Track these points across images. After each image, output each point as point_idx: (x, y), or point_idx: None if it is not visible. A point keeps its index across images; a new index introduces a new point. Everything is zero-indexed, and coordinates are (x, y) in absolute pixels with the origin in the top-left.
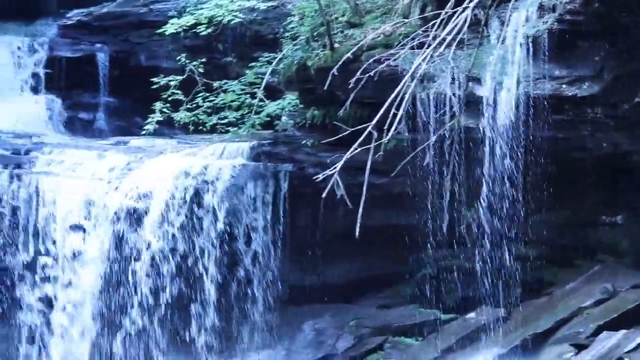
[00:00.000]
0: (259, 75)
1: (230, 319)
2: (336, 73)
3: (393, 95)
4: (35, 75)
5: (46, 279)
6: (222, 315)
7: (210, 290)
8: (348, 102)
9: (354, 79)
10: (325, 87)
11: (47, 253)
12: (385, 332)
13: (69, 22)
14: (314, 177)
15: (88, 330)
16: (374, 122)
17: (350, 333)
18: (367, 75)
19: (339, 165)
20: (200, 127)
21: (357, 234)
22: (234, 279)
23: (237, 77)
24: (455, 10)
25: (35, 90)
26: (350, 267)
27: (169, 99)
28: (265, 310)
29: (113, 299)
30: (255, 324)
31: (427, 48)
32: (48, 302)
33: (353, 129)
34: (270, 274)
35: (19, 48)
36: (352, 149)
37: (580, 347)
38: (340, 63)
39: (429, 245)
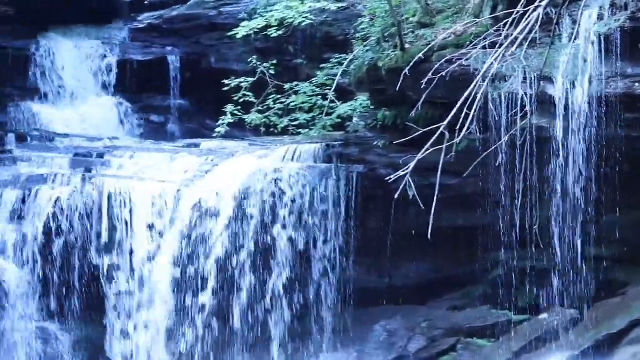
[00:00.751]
0: (330, 77)
1: (303, 320)
2: (408, 74)
3: (465, 96)
4: (107, 79)
5: (119, 281)
6: (294, 316)
7: (281, 291)
8: (420, 103)
9: (425, 80)
10: (397, 88)
11: (119, 255)
12: (457, 334)
13: (140, 26)
14: (385, 178)
15: (161, 329)
16: (446, 122)
17: (422, 334)
18: (439, 75)
19: (411, 165)
20: (272, 129)
21: (429, 235)
22: (305, 281)
23: (308, 79)
24: (527, 9)
25: (107, 93)
26: (422, 268)
27: (240, 101)
28: (336, 311)
29: (184, 300)
30: (327, 326)
31: (499, 47)
32: (121, 303)
33: (425, 130)
34: (342, 276)
35: (91, 52)
36: (424, 149)
37: None
38: (411, 64)
39: (500, 245)
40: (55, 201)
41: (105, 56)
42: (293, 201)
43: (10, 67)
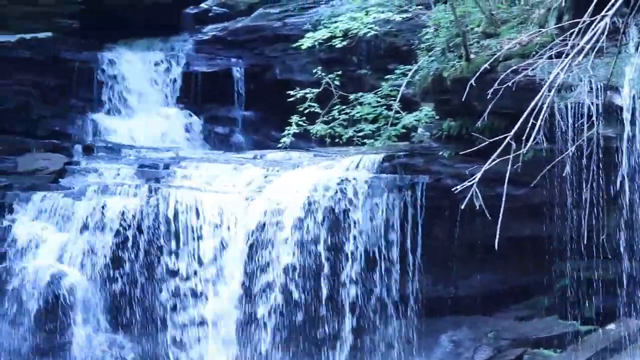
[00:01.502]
0: (395, 87)
1: (368, 331)
2: (473, 84)
3: (531, 106)
4: (172, 90)
5: (186, 292)
6: (360, 326)
7: (346, 302)
8: (486, 113)
9: (491, 90)
10: (462, 98)
11: (186, 265)
12: (523, 344)
13: (205, 38)
14: (451, 189)
15: (230, 341)
16: (512, 132)
17: (489, 345)
18: (505, 85)
19: (477, 176)
20: (337, 140)
21: (496, 245)
22: (371, 291)
23: (372, 89)
24: (593, 18)
25: (172, 105)
26: (488, 278)
27: (305, 111)
28: (402, 322)
29: (251, 311)
30: (392, 336)
31: (565, 57)
32: (188, 315)
33: (491, 140)
34: (407, 286)
35: (157, 64)
36: (490, 160)
37: None
38: (477, 74)
39: (567, 255)
40: (123, 212)
41: (170, 68)
42: (358, 211)
43: (76, 80)
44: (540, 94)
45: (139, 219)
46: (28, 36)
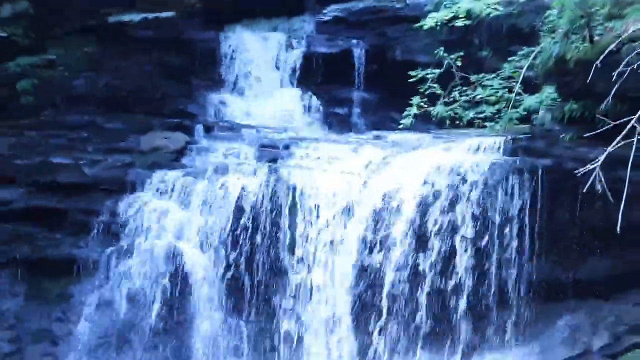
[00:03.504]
0: (517, 69)
1: (485, 315)
2: (598, 65)
3: None
4: (292, 71)
5: (302, 272)
6: (477, 310)
7: (465, 285)
8: (610, 96)
9: (615, 72)
10: (586, 81)
11: (303, 246)
12: None
13: (326, 19)
14: (572, 172)
15: (343, 322)
16: (637, 115)
17: (607, 330)
18: (629, 68)
19: (600, 159)
20: (457, 122)
21: (618, 229)
22: (489, 274)
23: (492, 71)
24: None
25: (292, 85)
26: (607, 262)
27: (426, 93)
28: (520, 306)
29: (364, 294)
30: (510, 320)
31: None
32: (304, 295)
33: (615, 123)
34: (526, 270)
35: (277, 44)
36: (614, 143)
37: None
38: (602, 56)
39: None
40: (242, 191)
41: (291, 48)
42: (477, 194)
43: (198, 59)
44: None
45: (258, 198)
46: (151, 16)
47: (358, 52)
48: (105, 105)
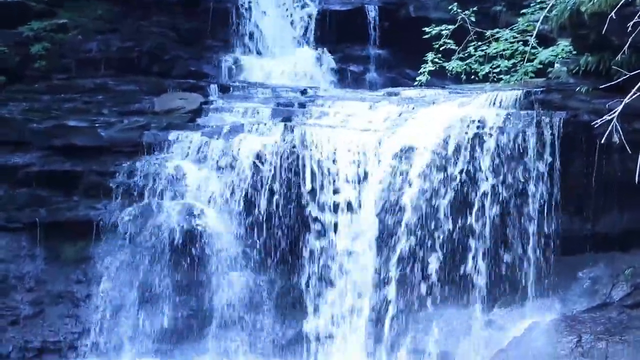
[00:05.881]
0: (531, 22)
1: (506, 270)
2: (613, 17)
3: None
4: (307, 30)
5: (321, 230)
6: (494, 264)
7: (482, 239)
8: (625, 47)
9: (631, 23)
10: (601, 33)
11: (321, 204)
12: None
13: None
14: (591, 123)
15: (362, 279)
16: None
17: (626, 282)
18: None
19: (618, 110)
20: (472, 77)
21: (636, 180)
22: (508, 229)
23: (507, 26)
24: None
25: (306, 43)
26: (626, 215)
27: (440, 49)
28: (540, 259)
29: (384, 250)
30: (530, 274)
31: None
32: (323, 253)
33: (631, 74)
34: (545, 223)
35: (291, 3)
36: (631, 93)
37: None
38: (616, 7)
39: None
40: (258, 150)
41: (305, 7)
42: (494, 148)
43: (212, 20)
44: None
45: (274, 157)
46: None
47: (372, 10)
48: (118, 68)
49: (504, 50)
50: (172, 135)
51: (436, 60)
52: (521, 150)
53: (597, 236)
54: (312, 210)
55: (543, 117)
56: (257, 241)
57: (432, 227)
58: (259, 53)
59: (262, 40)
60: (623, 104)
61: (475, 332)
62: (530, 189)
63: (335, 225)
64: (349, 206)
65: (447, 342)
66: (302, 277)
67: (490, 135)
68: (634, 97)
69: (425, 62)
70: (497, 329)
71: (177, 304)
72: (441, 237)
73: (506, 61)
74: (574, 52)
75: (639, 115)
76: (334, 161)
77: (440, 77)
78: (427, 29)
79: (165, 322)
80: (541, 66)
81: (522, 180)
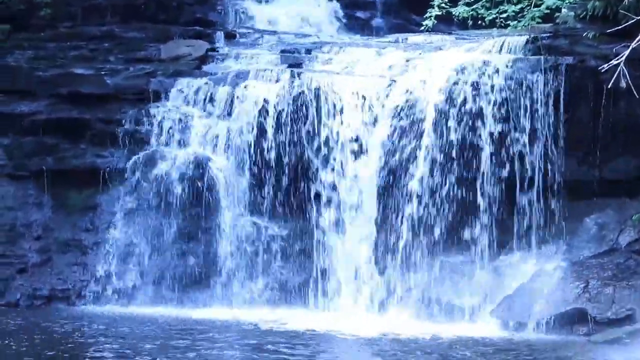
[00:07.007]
0: None
1: (511, 215)
2: None
3: None
4: None
5: (327, 175)
6: (501, 211)
7: (488, 187)
8: None
9: None
10: None
11: (328, 150)
12: None
13: None
14: (598, 68)
15: (367, 218)
16: None
17: (633, 227)
18: None
19: (625, 54)
20: (479, 22)
21: None
22: (514, 174)
23: None
24: None
25: None
26: (632, 161)
27: None
28: (546, 205)
29: (390, 199)
30: (535, 219)
31: None
32: (330, 197)
33: (638, 17)
34: (551, 169)
35: None
36: (638, 38)
37: None
38: None
39: None
40: (265, 97)
41: None
42: (501, 93)
43: None
44: None
45: (281, 103)
46: None
47: None
48: (124, 15)
49: None
50: (179, 82)
51: (443, 5)
52: (528, 95)
53: (604, 182)
54: (318, 155)
55: (550, 63)
56: (264, 187)
57: (443, 171)
58: (265, 0)
59: None
60: (630, 48)
61: (482, 278)
62: (536, 134)
63: (341, 169)
64: (356, 151)
65: (452, 289)
66: (309, 219)
67: (497, 80)
68: None
69: (431, 7)
70: (503, 275)
71: (184, 252)
72: (450, 182)
73: (513, 6)
74: None
75: None
76: (340, 106)
77: (447, 23)
78: None
79: (172, 270)
80: (548, 11)
81: (529, 125)
